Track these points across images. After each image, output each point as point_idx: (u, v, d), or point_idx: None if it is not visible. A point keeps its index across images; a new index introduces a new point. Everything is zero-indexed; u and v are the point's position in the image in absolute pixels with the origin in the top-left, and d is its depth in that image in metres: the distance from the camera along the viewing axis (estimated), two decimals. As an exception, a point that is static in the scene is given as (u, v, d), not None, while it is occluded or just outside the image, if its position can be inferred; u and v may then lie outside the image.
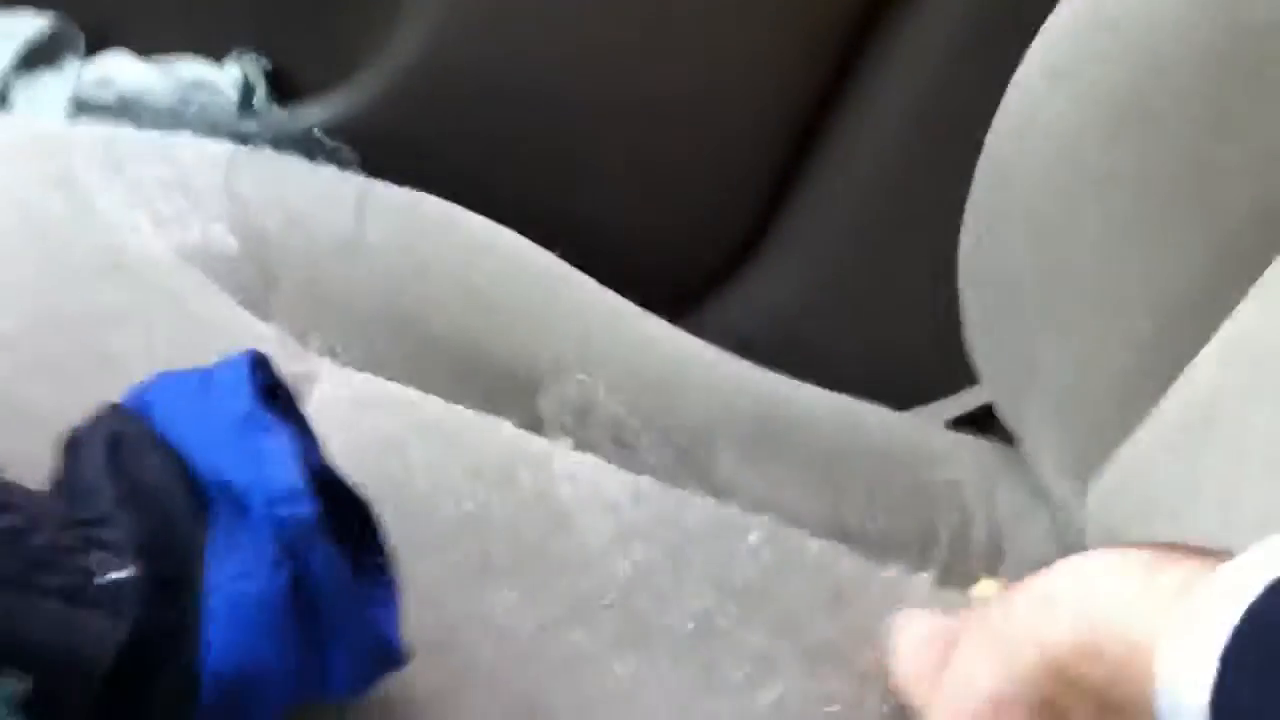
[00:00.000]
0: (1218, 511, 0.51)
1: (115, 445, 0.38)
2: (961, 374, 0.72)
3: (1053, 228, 0.60)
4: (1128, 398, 0.59)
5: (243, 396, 0.39)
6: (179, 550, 0.37)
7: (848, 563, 0.61)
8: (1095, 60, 0.58)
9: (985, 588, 0.64)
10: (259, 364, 0.41)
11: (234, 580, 0.36)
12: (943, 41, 0.77)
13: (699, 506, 0.59)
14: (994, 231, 0.64)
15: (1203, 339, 0.55)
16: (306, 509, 0.36)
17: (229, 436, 0.38)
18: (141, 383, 0.43)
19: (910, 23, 0.78)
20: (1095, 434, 0.61)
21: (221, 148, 0.63)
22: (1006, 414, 0.67)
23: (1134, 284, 0.58)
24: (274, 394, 0.42)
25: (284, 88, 0.80)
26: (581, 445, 0.61)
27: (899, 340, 0.81)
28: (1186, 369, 0.55)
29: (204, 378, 0.41)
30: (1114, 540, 0.58)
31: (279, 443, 0.37)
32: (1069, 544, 0.63)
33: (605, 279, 0.70)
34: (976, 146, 0.63)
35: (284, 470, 0.36)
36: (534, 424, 0.62)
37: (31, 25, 0.76)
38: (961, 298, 0.66)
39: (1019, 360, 0.64)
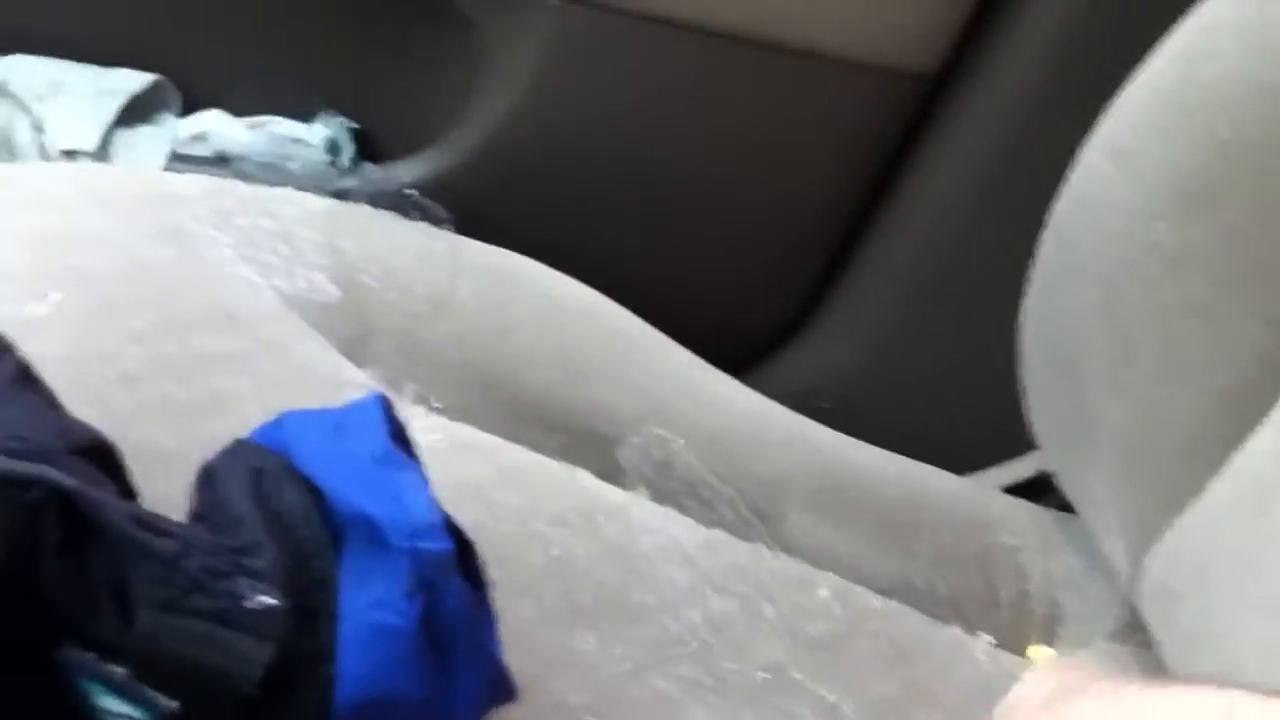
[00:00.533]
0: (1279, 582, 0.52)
1: (257, 478, 0.41)
2: (1016, 440, 0.74)
3: (1117, 300, 0.62)
4: (1189, 466, 0.61)
5: (378, 435, 0.41)
6: (317, 580, 0.39)
7: (912, 621, 0.62)
8: (1159, 142, 0.61)
9: (1038, 653, 0.65)
10: (386, 406, 0.44)
11: (369, 610, 0.38)
12: (1001, 113, 0.80)
13: (770, 560, 0.61)
14: (1058, 302, 0.66)
15: (1265, 409, 0.57)
16: (444, 543, 0.38)
17: (366, 472, 0.40)
18: (272, 421, 0.45)
19: (971, 94, 0.80)
20: (1155, 502, 0.62)
21: (322, 202, 0.66)
22: (1065, 481, 0.69)
23: (1198, 357, 0.60)
24: (396, 435, 0.45)
25: (368, 148, 0.83)
26: (659, 497, 0.63)
27: (954, 405, 0.83)
28: (1248, 439, 0.57)
29: (337, 417, 0.43)
30: (1171, 608, 0.60)
31: (415, 477, 0.40)
32: (1126, 612, 0.65)
33: (671, 336, 0.72)
34: (1033, 215, 0.65)
35: (422, 506, 0.38)
36: (612, 474, 0.64)
37: (132, 81, 0.79)
38: (1023, 364, 0.68)
39: (1080, 427, 0.65)
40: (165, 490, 0.47)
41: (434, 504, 0.39)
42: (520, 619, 0.54)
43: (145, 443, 0.53)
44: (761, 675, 0.56)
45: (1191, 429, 0.61)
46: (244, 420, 0.55)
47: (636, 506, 0.62)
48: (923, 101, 0.80)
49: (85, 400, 0.54)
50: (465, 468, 0.60)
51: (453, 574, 0.38)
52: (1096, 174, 0.63)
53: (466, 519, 0.58)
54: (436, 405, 0.63)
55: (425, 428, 0.61)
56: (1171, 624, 0.60)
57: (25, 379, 0.42)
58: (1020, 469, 0.77)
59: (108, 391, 0.54)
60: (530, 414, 0.65)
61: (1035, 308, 0.67)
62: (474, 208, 0.71)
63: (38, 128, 0.75)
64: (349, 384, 0.60)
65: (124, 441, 0.53)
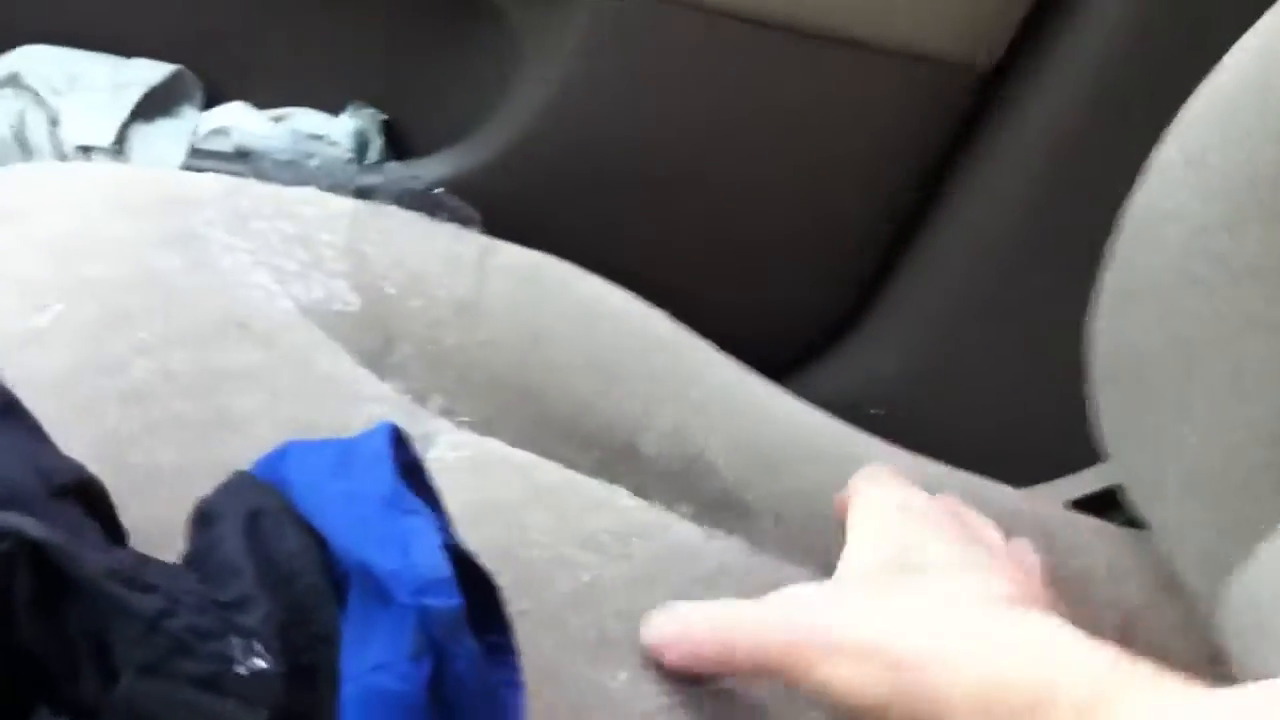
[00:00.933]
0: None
1: (253, 521, 0.37)
2: (1082, 451, 0.70)
3: (1179, 315, 0.58)
4: (1270, 487, 0.57)
5: (385, 475, 0.37)
6: (316, 636, 0.35)
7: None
8: (1230, 149, 0.57)
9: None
10: (396, 439, 0.40)
11: (371, 673, 0.34)
12: (1061, 108, 0.76)
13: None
14: (1124, 315, 0.62)
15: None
16: (453, 600, 0.34)
17: (371, 517, 0.36)
18: (276, 451, 0.42)
19: (1029, 89, 0.76)
20: (1236, 524, 0.58)
21: (344, 204, 0.63)
22: (1137, 497, 0.64)
23: (1265, 374, 0.56)
24: (408, 467, 0.41)
25: (397, 141, 0.80)
26: (697, 516, 0.60)
27: (1014, 413, 0.79)
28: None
29: (342, 451, 0.40)
30: (1256, 642, 0.56)
31: (423, 527, 0.36)
32: (1204, 640, 0.61)
33: (712, 340, 0.68)
34: (1095, 216, 0.62)
35: (430, 558, 0.35)
36: (648, 490, 0.60)
37: (151, 72, 0.76)
38: (1090, 374, 0.64)
39: (1151, 444, 0.61)
40: (170, 516, 0.44)
41: (443, 555, 0.35)
42: (545, 652, 0.51)
43: (150, 464, 0.50)
44: (809, 713, 0.52)
45: (1266, 449, 0.57)
46: (256, 439, 0.52)
47: (676, 526, 0.58)
48: (978, 96, 0.75)
49: (86, 418, 0.51)
50: (493, 486, 0.56)
51: (464, 633, 0.35)
52: (1167, 179, 0.59)
53: (493, 541, 0.54)
54: (463, 418, 0.59)
55: (451, 443, 0.58)
56: (1255, 658, 0.56)
57: (6, 410, 0.38)
58: (1086, 482, 0.73)
59: (111, 409, 0.51)
60: (563, 427, 0.61)
61: (1102, 319, 0.63)
62: (504, 207, 0.68)
63: (54, 121, 0.72)
64: (370, 398, 0.57)
65: (128, 463, 0.50)
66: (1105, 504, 0.71)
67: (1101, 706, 0.38)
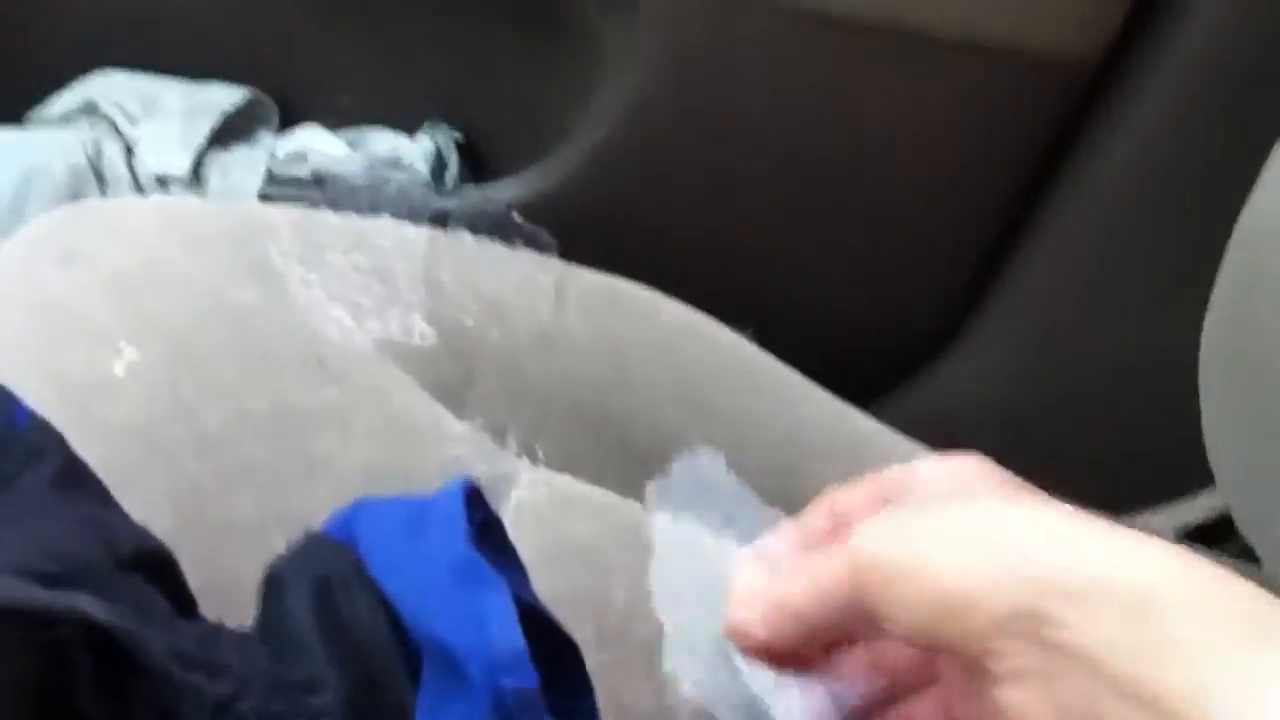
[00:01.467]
0: None
1: (323, 590, 0.36)
2: (1189, 477, 0.66)
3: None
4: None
5: (458, 542, 0.36)
6: (392, 711, 0.34)
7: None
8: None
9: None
10: (472, 497, 0.38)
11: (445, 754, 0.33)
12: (1173, 99, 0.72)
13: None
14: (1249, 320, 0.58)
15: None
16: (529, 679, 0.33)
17: (444, 586, 0.35)
18: (349, 507, 0.40)
19: (1139, 81, 0.73)
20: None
21: (419, 233, 0.61)
22: (1249, 526, 0.61)
23: None
24: (485, 525, 0.39)
25: (475, 160, 0.78)
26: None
27: (1116, 435, 0.75)
28: None
29: (415, 512, 0.38)
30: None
31: (498, 598, 0.34)
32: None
33: (799, 362, 0.66)
34: (1212, 212, 0.58)
35: (506, 633, 0.33)
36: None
37: (226, 97, 0.75)
38: (1203, 390, 0.61)
39: (1271, 466, 0.58)
40: (247, 569, 0.43)
41: (518, 629, 0.34)
42: (631, 704, 0.49)
43: (227, 515, 0.49)
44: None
45: None
46: (335, 485, 0.51)
47: (765, 567, 0.56)
48: (1084, 91, 0.72)
49: (162, 468, 0.50)
50: (575, 528, 0.54)
51: (541, 712, 0.33)
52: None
53: (574, 587, 0.53)
54: (544, 455, 0.57)
55: (530, 482, 0.56)
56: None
57: (71, 478, 0.37)
58: (1199, 508, 0.69)
59: (185, 457, 0.50)
60: (647, 461, 0.59)
61: (1221, 327, 0.59)
62: (583, 226, 0.65)
63: (130, 150, 0.72)
64: (449, 438, 0.55)
65: (205, 514, 0.49)
66: (1221, 532, 0.67)
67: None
